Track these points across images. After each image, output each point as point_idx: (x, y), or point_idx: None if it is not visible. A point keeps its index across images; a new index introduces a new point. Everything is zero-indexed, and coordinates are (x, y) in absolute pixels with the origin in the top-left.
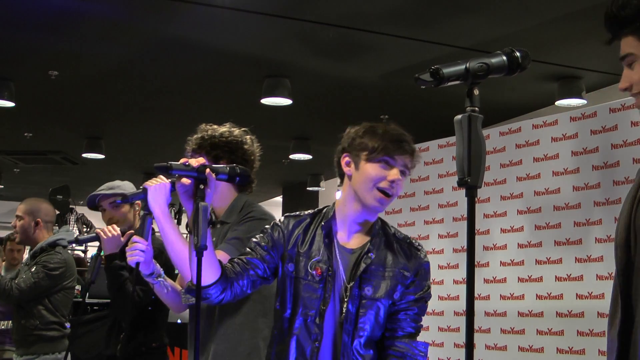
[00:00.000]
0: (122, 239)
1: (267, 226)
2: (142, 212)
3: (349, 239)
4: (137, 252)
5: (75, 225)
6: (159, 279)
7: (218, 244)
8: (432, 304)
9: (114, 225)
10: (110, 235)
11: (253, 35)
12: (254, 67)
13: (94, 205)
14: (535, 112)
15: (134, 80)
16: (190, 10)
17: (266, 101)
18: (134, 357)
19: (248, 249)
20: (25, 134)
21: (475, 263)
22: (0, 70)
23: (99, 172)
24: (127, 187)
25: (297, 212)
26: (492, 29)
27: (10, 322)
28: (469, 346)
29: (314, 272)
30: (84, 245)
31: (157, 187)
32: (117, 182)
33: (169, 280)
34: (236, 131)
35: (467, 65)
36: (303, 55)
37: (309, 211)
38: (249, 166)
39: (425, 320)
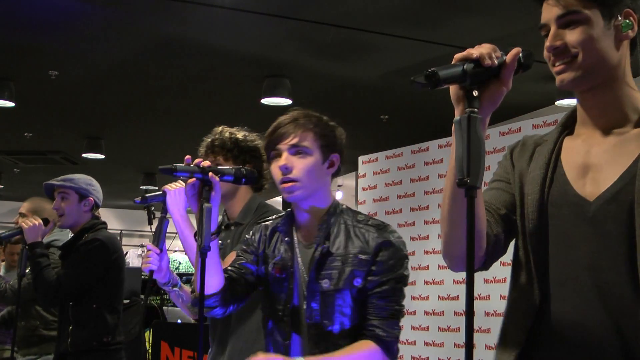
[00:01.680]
0: (44, 227)
1: (250, 232)
2: (159, 215)
3: (305, 234)
4: (151, 260)
5: None
6: (175, 288)
7: (233, 246)
8: (432, 304)
9: (35, 216)
10: (31, 224)
11: (253, 35)
12: (254, 67)
13: (51, 194)
14: (535, 112)
15: (134, 80)
16: (190, 10)
17: (266, 101)
18: (86, 352)
19: (238, 255)
20: (25, 134)
21: None
22: (0, 70)
23: (99, 172)
24: (80, 181)
25: (274, 216)
26: (492, 29)
27: None
28: (469, 346)
29: (273, 272)
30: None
31: (177, 191)
32: (73, 175)
33: (186, 289)
34: (252, 135)
35: (465, 67)
36: (303, 55)
37: (283, 213)
38: (263, 167)
39: (425, 320)
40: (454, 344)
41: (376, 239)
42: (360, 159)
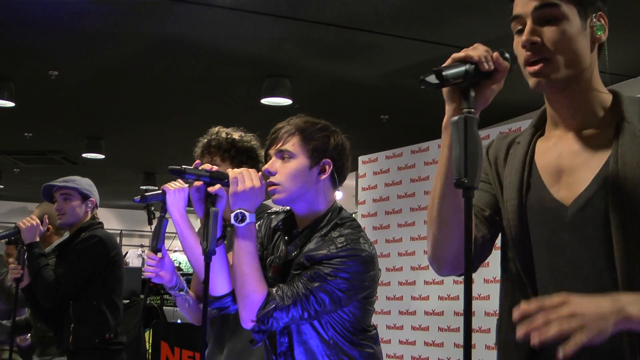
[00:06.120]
0: (41, 227)
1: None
2: (159, 214)
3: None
4: (151, 267)
5: None
6: (181, 292)
7: (231, 247)
8: (432, 304)
9: (32, 216)
10: (29, 224)
11: (253, 35)
12: (254, 67)
13: (49, 196)
14: (536, 112)
15: (134, 80)
16: (190, 10)
17: (266, 101)
18: (88, 350)
19: None
20: (25, 134)
21: None
22: (0, 70)
23: (99, 172)
24: (82, 182)
25: (279, 209)
26: (492, 29)
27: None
28: (467, 346)
29: (271, 271)
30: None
31: (177, 191)
32: (74, 177)
33: (192, 294)
34: (248, 135)
35: (467, 68)
36: (303, 55)
37: (287, 209)
38: (260, 168)
39: (425, 320)
40: (454, 344)
41: (343, 246)
42: (360, 159)
